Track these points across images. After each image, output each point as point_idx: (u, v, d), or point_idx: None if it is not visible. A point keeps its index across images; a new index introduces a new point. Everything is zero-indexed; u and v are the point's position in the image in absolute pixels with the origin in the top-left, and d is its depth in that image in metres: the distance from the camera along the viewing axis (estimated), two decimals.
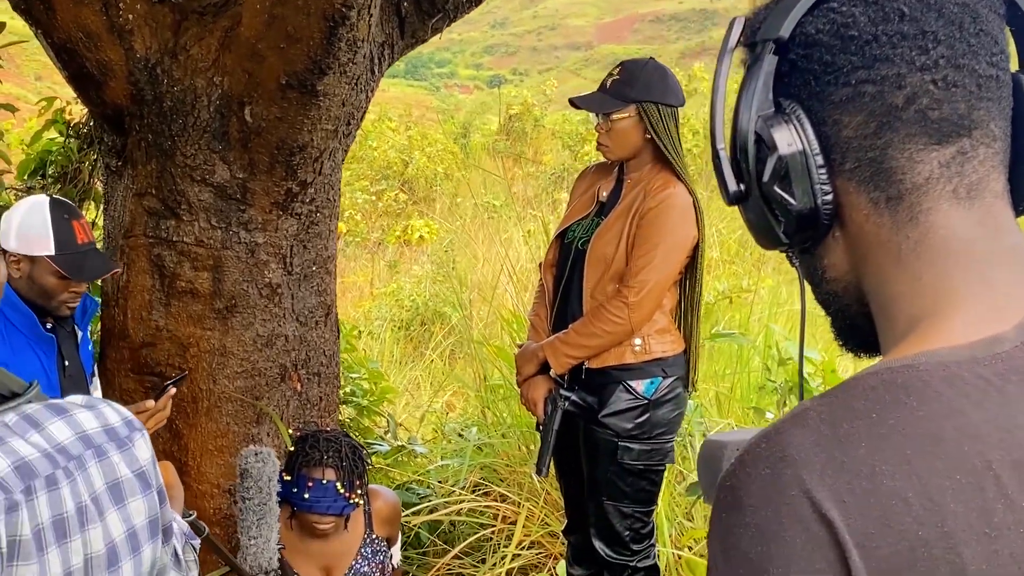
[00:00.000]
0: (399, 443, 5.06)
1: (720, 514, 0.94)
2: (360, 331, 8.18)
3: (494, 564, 4.65)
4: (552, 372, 3.86)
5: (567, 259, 3.90)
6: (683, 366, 3.83)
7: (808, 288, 1.14)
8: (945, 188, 0.99)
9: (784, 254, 1.12)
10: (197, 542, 1.71)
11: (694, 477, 4.79)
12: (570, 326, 3.78)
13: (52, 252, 3.30)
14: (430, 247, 12.34)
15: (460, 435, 5.51)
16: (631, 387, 3.74)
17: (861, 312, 1.08)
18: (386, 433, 5.25)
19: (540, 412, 3.86)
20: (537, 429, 3.96)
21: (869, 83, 1.00)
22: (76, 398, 1.40)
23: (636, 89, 3.69)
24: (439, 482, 5.06)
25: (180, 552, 1.58)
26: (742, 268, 9.60)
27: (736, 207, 1.12)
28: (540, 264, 4.12)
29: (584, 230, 3.88)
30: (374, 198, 14.44)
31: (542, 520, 4.82)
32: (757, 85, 1.06)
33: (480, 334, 5.92)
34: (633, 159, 3.80)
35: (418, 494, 4.87)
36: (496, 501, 4.92)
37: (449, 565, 4.69)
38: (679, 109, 3.77)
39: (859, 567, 0.85)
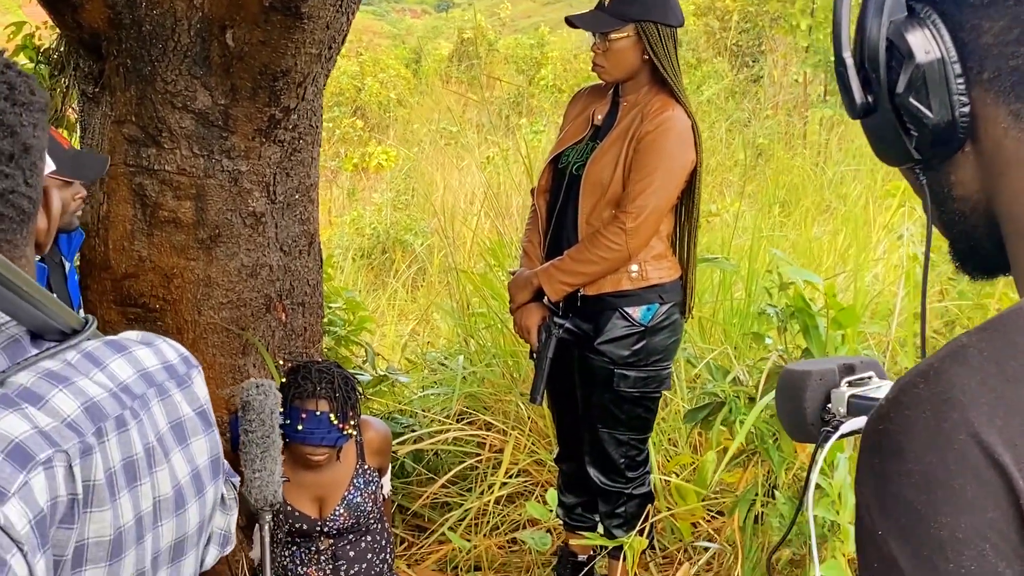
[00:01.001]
0: (381, 373, 4.99)
1: (873, 460, 0.87)
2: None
3: (481, 492, 4.62)
4: (546, 299, 3.80)
5: (561, 185, 3.82)
6: (680, 292, 3.78)
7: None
8: None
9: (907, 170, 1.05)
10: (237, 479, 1.64)
11: (677, 402, 4.77)
12: (565, 252, 3.71)
13: (52, 167, 3.16)
14: (389, 174, 12.18)
15: (443, 364, 5.44)
16: (627, 314, 3.68)
17: (988, 234, 1.00)
18: (364, 362, 5.18)
19: (534, 340, 3.80)
20: (531, 357, 3.90)
21: None
22: (131, 334, 1.31)
23: (635, 8, 3.60)
24: (423, 411, 5.00)
25: (224, 490, 1.51)
26: (707, 194, 9.56)
27: (859, 120, 1.05)
28: (532, 190, 4.04)
29: (579, 155, 3.79)
30: (330, 125, 14.23)
31: (529, 448, 4.78)
32: None
33: (460, 262, 5.83)
34: (630, 81, 3.71)
35: (402, 424, 4.82)
36: (482, 430, 4.88)
37: (436, 494, 4.65)
38: (678, 29, 3.68)
39: None
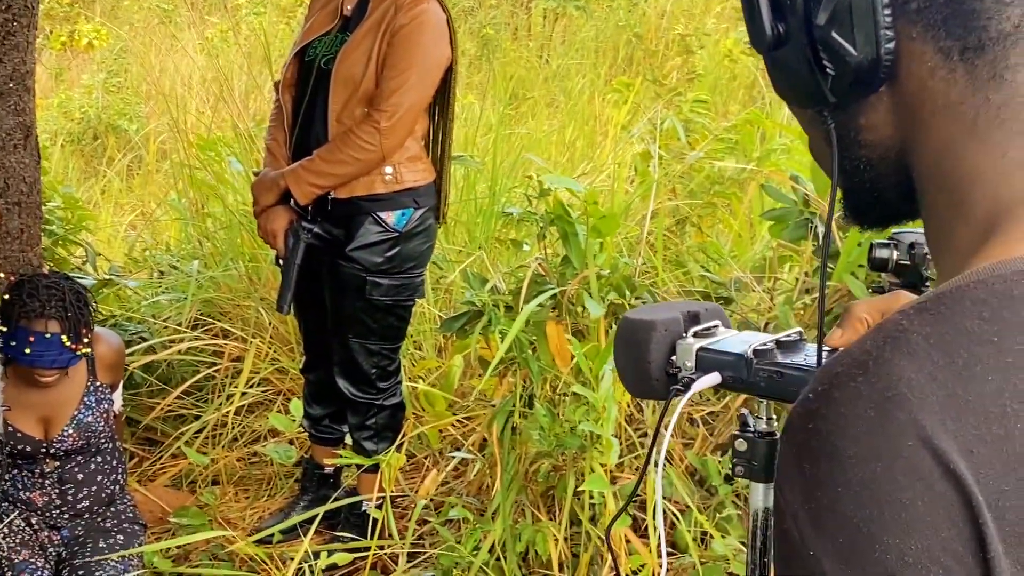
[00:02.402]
0: (105, 276, 4.64)
1: (802, 464, 0.73)
2: None
3: (219, 404, 4.38)
4: (293, 202, 3.57)
5: (308, 79, 3.57)
6: (434, 196, 3.63)
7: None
8: None
9: (810, 111, 0.92)
10: None
11: (422, 304, 4.63)
12: (314, 152, 3.48)
13: None
14: (99, 54, 11.41)
15: (174, 267, 5.11)
16: (381, 219, 3.51)
17: (895, 184, 0.88)
18: (84, 263, 4.81)
19: (280, 245, 3.58)
20: (277, 264, 3.68)
21: None
22: None
23: None
24: (153, 318, 4.69)
25: None
26: None
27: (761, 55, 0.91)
28: (276, 83, 3.77)
29: (327, 47, 3.55)
30: None
31: (270, 356, 4.57)
32: None
33: (186, 154, 5.46)
34: None
35: (131, 332, 4.50)
36: (219, 338, 4.62)
37: (170, 406, 4.38)
38: None
39: (992, 535, 0.67)
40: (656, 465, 1.27)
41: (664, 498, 3.28)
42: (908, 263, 2.98)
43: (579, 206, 3.43)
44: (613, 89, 8.77)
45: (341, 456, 3.62)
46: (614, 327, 3.56)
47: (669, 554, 3.34)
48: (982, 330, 0.71)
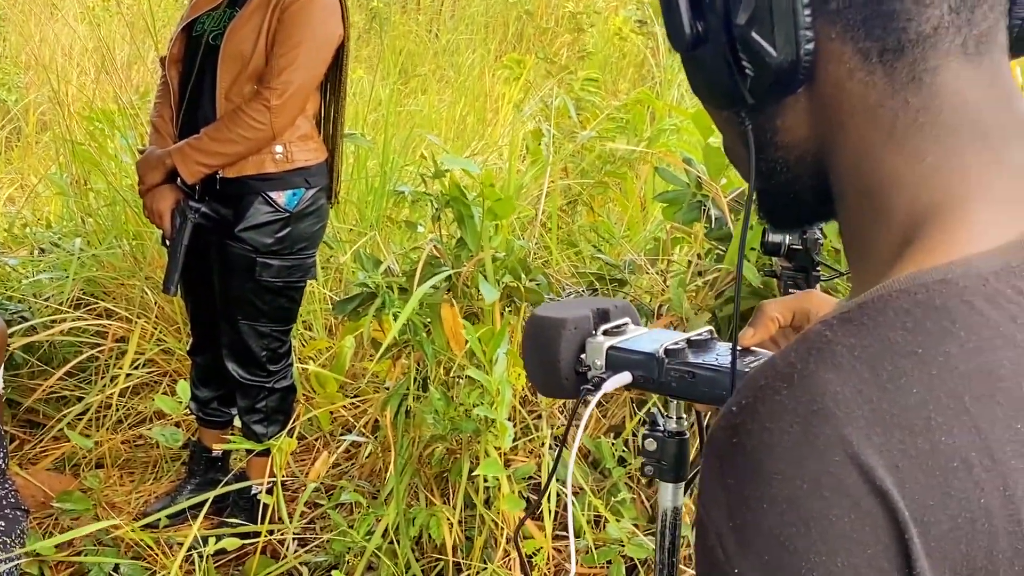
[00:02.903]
0: None
1: (726, 480, 0.71)
2: None
3: (104, 385, 4.27)
4: (180, 181, 3.47)
5: (196, 54, 3.48)
6: (326, 175, 3.57)
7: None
8: (955, 40, 0.78)
9: (727, 112, 0.90)
10: None
11: (311, 284, 4.57)
12: (202, 131, 3.39)
13: None
14: None
15: (55, 244, 4.95)
16: (271, 199, 3.44)
17: (813, 186, 0.87)
18: None
19: (167, 225, 3.48)
20: (164, 244, 3.59)
21: None
22: None
23: None
24: (34, 297, 4.54)
25: None
26: None
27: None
28: (162, 59, 3.66)
29: (215, 22, 3.46)
30: None
31: (156, 337, 4.46)
32: None
33: (69, 127, 5.28)
34: None
35: (10, 311, 4.35)
36: (102, 318, 4.49)
37: (52, 388, 4.25)
38: None
39: (918, 551, 0.66)
40: (567, 472, 1.24)
41: (557, 480, 3.28)
42: (800, 247, 3.01)
43: (475, 187, 3.39)
44: (504, 65, 8.74)
45: (231, 441, 3.55)
46: (508, 310, 3.55)
47: (563, 537, 3.34)
48: (906, 341, 0.70)
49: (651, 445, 1.21)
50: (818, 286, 3.14)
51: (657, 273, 3.87)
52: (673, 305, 3.54)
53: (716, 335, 1.18)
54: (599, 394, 1.14)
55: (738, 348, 1.10)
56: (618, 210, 5.69)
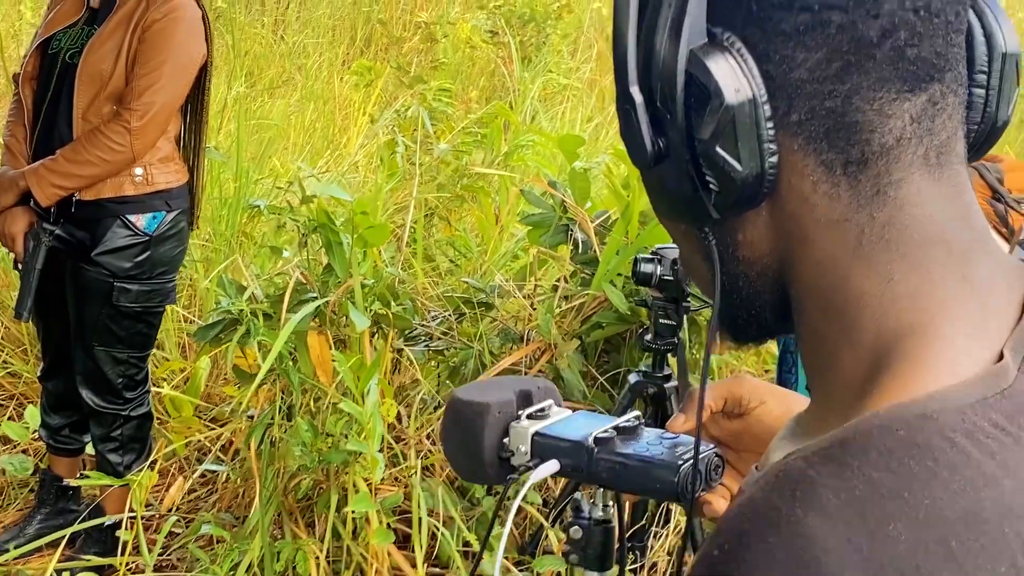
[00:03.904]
0: None
1: None
2: None
3: None
4: (34, 203, 3.34)
5: (52, 73, 3.35)
6: (187, 198, 3.48)
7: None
8: (916, 152, 0.78)
9: (687, 227, 0.88)
10: None
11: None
12: (59, 152, 3.27)
13: None
14: None
15: None
16: (130, 222, 3.34)
17: (775, 301, 0.85)
18: None
19: (19, 249, 3.35)
20: (15, 268, 3.45)
21: (835, 9, 0.75)
22: None
23: None
24: None
25: None
26: None
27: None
28: (15, 76, 3.52)
29: (72, 40, 3.34)
30: None
31: (2, 359, 4.27)
32: (687, 5, 0.78)
33: None
34: None
35: None
36: None
37: None
38: None
39: None
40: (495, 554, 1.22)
41: (428, 512, 3.25)
42: (671, 278, 3.05)
43: (342, 210, 3.35)
44: (353, 72, 8.66)
45: (85, 473, 3.43)
46: (376, 336, 3.51)
47: (434, 569, 3.32)
48: (891, 483, 0.70)
49: (576, 533, 1.19)
50: (685, 317, 3.19)
51: (524, 297, 3.87)
52: (541, 331, 3.54)
53: (642, 420, 1.17)
54: (527, 485, 1.12)
55: (670, 435, 1.10)
56: (475, 224, 5.69)
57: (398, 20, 10.23)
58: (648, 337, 3.12)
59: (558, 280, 3.86)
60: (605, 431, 1.13)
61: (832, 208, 0.79)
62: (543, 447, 1.15)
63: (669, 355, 3.14)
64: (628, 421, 1.15)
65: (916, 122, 0.77)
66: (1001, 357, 0.77)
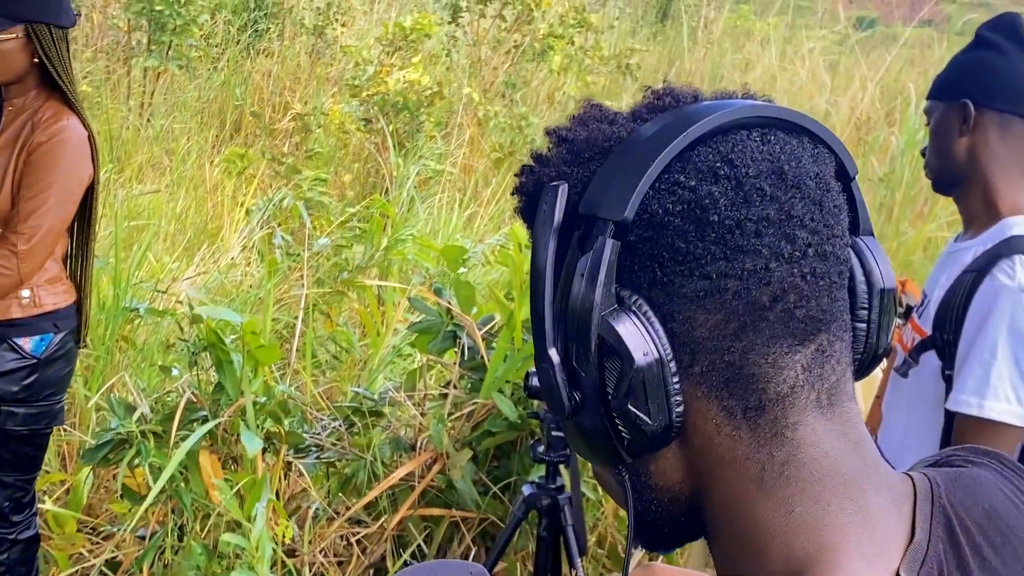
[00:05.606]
0: None
1: None
2: None
3: None
4: None
5: None
6: (75, 318, 3.45)
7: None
8: (809, 397, 0.87)
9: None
10: None
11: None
12: None
13: None
14: None
15: None
16: (18, 345, 3.30)
17: (688, 523, 0.94)
18: None
19: None
20: None
21: (731, 277, 0.85)
22: None
23: (25, 7, 3.20)
24: None
25: None
26: None
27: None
28: None
29: None
30: None
31: None
32: (599, 275, 0.86)
33: None
34: (16, 84, 3.30)
35: None
36: None
37: None
38: (68, 31, 3.33)
39: None
40: None
41: None
42: None
43: (232, 330, 3.36)
44: (225, 159, 8.65)
45: None
46: (267, 451, 3.52)
47: None
48: None
49: None
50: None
51: (414, 405, 3.91)
52: (434, 440, 3.59)
53: None
54: None
55: None
56: (356, 317, 5.70)
57: (267, 102, 10.23)
58: (541, 449, 3.19)
59: (446, 385, 3.92)
60: None
61: (734, 448, 0.88)
62: None
63: (562, 466, 3.22)
64: None
65: (807, 371, 0.87)
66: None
